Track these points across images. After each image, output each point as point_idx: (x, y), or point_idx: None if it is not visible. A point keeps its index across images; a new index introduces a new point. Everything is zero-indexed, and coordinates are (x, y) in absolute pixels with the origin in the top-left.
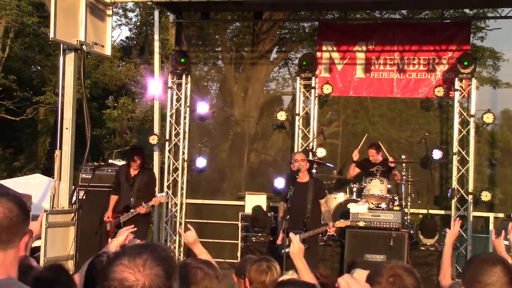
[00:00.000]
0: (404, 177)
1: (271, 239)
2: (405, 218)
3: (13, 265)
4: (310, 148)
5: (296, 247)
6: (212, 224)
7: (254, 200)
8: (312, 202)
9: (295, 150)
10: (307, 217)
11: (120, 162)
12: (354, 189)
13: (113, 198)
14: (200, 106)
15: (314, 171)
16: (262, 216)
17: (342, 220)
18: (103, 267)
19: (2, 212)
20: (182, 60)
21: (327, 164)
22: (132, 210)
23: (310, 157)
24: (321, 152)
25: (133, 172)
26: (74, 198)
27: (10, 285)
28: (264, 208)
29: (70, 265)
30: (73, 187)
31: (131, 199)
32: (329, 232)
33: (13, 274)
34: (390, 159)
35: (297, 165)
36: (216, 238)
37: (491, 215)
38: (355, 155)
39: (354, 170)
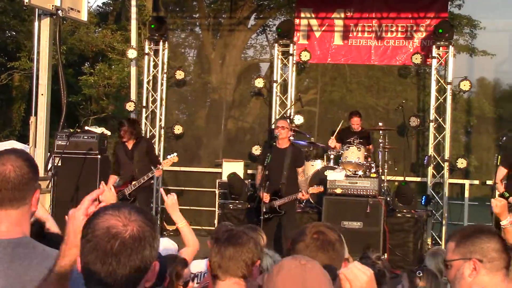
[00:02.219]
0: (381, 145)
1: (248, 206)
2: (382, 185)
3: (27, 222)
4: (288, 115)
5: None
6: (189, 191)
7: (232, 168)
8: (289, 168)
9: (273, 117)
10: (282, 183)
11: (97, 129)
12: (332, 156)
13: (112, 178)
14: (177, 73)
15: (291, 138)
16: (239, 183)
17: (315, 186)
18: (87, 220)
19: (13, 170)
20: (153, 26)
21: (304, 133)
22: (134, 182)
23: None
24: (298, 120)
25: (129, 145)
26: (49, 165)
27: (26, 243)
28: (242, 175)
29: None
30: (49, 154)
31: (135, 171)
32: (301, 198)
33: (27, 232)
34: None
35: (276, 131)
36: (193, 205)
37: (467, 182)
38: (332, 142)
39: (336, 146)
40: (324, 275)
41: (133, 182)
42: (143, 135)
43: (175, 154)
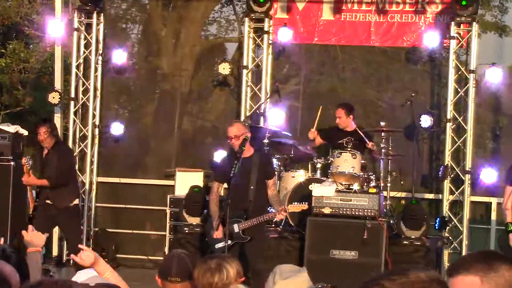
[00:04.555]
0: (383, 151)
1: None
2: (383, 203)
3: None
4: (261, 111)
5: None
6: (131, 210)
7: (188, 179)
8: (257, 182)
9: (242, 114)
10: (250, 201)
11: (9, 127)
12: (318, 165)
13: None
14: (116, 55)
15: (266, 141)
16: (201, 200)
17: (296, 203)
18: None
19: None
20: None
21: (283, 132)
22: (47, 201)
23: (262, 123)
24: (275, 117)
25: (45, 152)
26: None
27: None
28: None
29: None
30: None
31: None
32: (277, 218)
33: None
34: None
35: (230, 144)
36: (136, 229)
37: (494, 200)
38: (312, 134)
39: (316, 140)
40: None
41: (47, 201)
42: (68, 136)
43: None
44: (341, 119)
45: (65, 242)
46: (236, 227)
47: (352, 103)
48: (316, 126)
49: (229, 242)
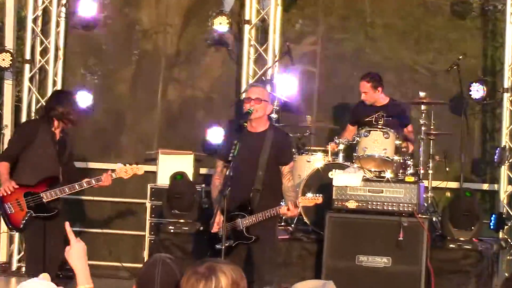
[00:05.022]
0: (423, 129)
1: (201, 228)
2: (424, 195)
3: None
4: (268, 78)
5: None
6: (101, 204)
7: (174, 164)
8: (267, 165)
9: (244, 82)
10: (256, 189)
11: None
12: (341, 146)
13: (3, 166)
14: (83, 6)
15: (274, 115)
16: (186, 190)
17: (309, 195)
18: None
19: None
20: None
21: (295, 108)
22: (57, 189)
23: None
24: (286, 86)
25: (57, 132)
26: None
27: None
28: (191, 177)
29: None
30: None
31: (61, 172)
32: (285, 214)
33: None
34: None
35: (248, 106)
36: (107, 228)
37: None
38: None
39: (350, 129)
40: None
41: (56, 189)
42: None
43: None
44: (367, 94)
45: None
46: (240, 223)
47: (381, 70)
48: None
49: (231, 242)
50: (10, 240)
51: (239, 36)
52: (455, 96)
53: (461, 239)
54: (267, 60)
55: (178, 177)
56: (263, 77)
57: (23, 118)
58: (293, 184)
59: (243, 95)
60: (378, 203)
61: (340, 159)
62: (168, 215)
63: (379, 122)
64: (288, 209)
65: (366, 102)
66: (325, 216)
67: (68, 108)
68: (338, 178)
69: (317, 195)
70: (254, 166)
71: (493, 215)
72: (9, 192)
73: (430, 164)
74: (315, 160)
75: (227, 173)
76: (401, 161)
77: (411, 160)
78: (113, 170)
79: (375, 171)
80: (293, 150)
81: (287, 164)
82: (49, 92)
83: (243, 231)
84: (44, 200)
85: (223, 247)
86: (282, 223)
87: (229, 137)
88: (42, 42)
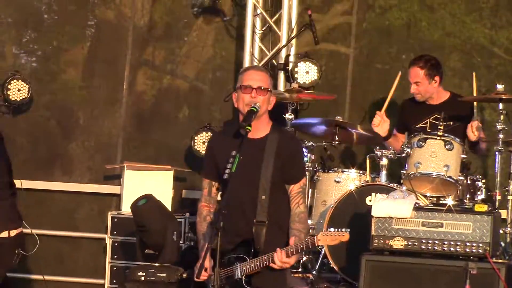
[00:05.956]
0: (500, 137)
1: (183, 275)
2: (500, 230)
3: None
4: (283, 63)
5: None
6: (43, 240)
7: (144, 183)
8: (272, 185)
9: (245, 63)
10: (259, 222)
11: None
12: (384, 160)
13: None
14: None
15: (289, 115)
16: (156, 219)
17: (333, 230)
18: None
19: None
20: None
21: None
22: None
23: (281, 83)
24: (306, 73)
25: None
26: None
27: None
28: (169, 201)
29: None
30: None
31: None
32: (275, 264)
33: None
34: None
35: (248, 98)
36: (52, 274)
37: None
38: (380, 118)
39: (398, 137)
40: None
41: None
42: None
43: None
44: (419, 86)
45: None
46: (238, 271)
47: (441, 53)
48: (387, 105)
49: None
50: None
51: (239, 2)
52: None
53: None
54: (280, 36)
55: (140, 203)
56: (273, 61)
57: None
58: (303, 211)
59: (238, 85)
60: (436, 242)
61: (382, 179)
62: (140, 257)
63: (439, 128)
64: (280, 258)
65: (418, 98)
66: (361, 259)
67: None
68: (380, 206)
69: (342, 229)
70: (255, 187)
71: None
72: None
73: (511, 187)
74: (347, 180)
75: (224, 196)
76: (469, 182)
77: (483, 181)
78: None
79: (432, 196)
80: (305, 160)
81: (297, 182)
82: None
83: (242, 281)
84: None
85: None
86: (299, 269)
87: (220, 143)
88: None
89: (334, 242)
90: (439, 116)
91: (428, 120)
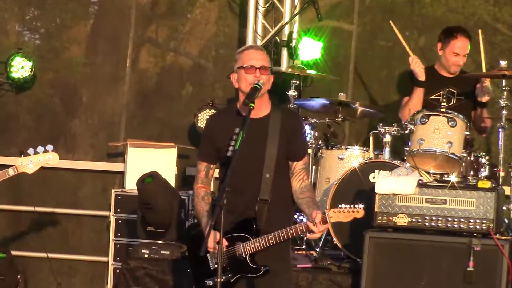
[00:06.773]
0: (503, 113)
1: (185, 252)
2: (503, 207)
3: None
4: (285, 39)
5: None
6: (46, 217)
7: (148, 160)
8: (277, 164)
9: (250, 42)
10: (262, 200)
11: None
12: (387, 137)
13: None
14: None
15: (293, 93)
16: (162, 197)
17: (344, 206)
18: None
19: None
20: None
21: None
22: None
23: (284, 60)
24: (309, 50)
25: None
26: None
27: None
28: (173, 179)
29: None
30: None
31: None
32: (313, 235)
33: None
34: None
35: (252, 78)
36: (57, 252)
37: None
38: (416, 60)
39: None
40: None
41: None
42: None
43: (51, 149)
44: (464, 59)
45: None
46: (241, 249)
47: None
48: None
49: (230, 275)
50: None
51: None
52: None
53: None
54: (283, 12)
55: (146, 181)
56: (277, 38)
57: None
58: (309, 186)
59: (237, 65)
60: (440, 219)
61: (386, 156)
62: (142, 234)
63: (442, 103)
64: (314, 225)
65: (454, 70)
66: (364, 236)
67: None
68: (383, 183)
69: (357, 206)
70: (259, 166)
71: None
72: None
73: None
74: (351, 157)
75: (228, 173)
76: (472, 158)
77: (487, 158)
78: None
79: (435, 173)
80: (309, 139)
81: (301, 159)
82: None
83: (246, 260)
84: None
85: (219, 280)
86: (303, 246)
87: (217, 125)
88: None
89: (347, 219)
90: (453, 90)
91: (439, 93)
